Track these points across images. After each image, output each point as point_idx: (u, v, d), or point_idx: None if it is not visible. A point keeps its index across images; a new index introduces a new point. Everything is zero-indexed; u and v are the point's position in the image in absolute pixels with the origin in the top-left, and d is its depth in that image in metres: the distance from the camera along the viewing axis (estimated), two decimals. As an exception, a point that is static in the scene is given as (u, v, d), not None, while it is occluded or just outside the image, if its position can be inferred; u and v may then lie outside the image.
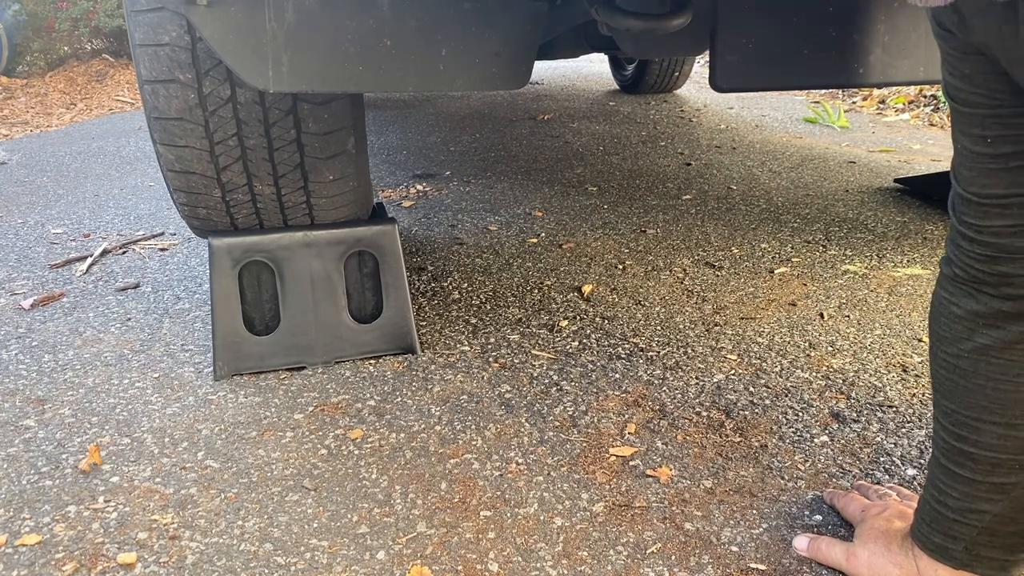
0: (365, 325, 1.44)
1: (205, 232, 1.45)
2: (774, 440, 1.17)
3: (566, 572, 0.92)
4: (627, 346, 1.47)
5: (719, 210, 2.26)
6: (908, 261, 1.85)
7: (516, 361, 1.42)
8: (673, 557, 0.94)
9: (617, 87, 4.61)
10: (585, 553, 0.95)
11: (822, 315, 1.58)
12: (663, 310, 1.62)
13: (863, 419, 1.22)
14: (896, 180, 2.51)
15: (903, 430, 1.19)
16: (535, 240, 2.04)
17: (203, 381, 1.37)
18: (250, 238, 1.39)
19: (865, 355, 1.42)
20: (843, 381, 1.33)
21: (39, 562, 0.95)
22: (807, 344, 1.46)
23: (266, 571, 0.93)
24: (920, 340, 1.47)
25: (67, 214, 2.42)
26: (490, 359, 1.43)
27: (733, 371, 1.37)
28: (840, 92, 4.42)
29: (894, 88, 4.02)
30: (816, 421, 1.22)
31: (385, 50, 1.12)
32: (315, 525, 1.01)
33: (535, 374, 1.37)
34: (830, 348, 1.44)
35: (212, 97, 1.25)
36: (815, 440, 1.17)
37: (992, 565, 0.80)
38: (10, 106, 4.78)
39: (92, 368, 1.43)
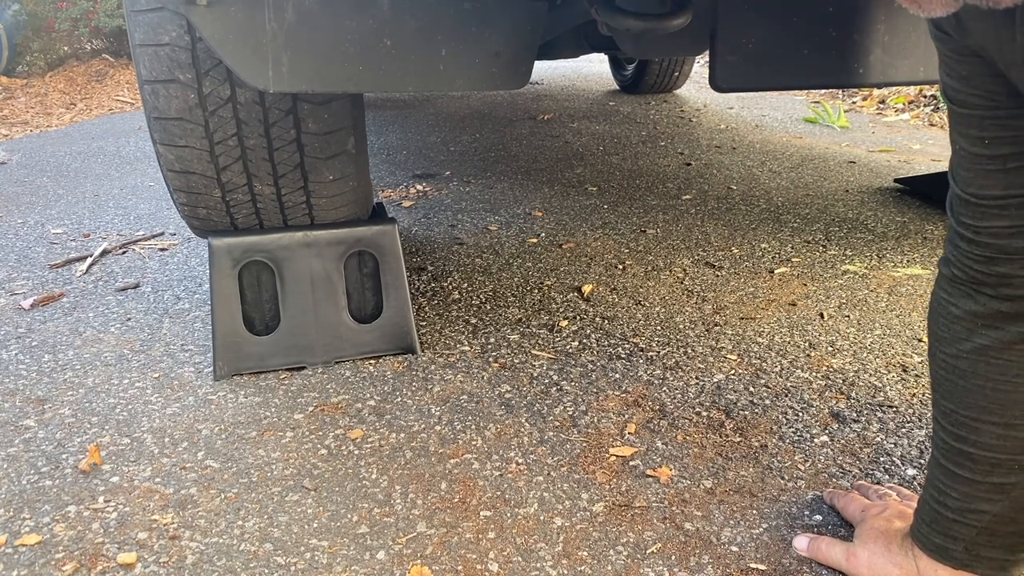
0: (365, 325, 1.44)
1: (205, 232, 1.45)
2: (774, 440, 1.17)
3: (566, 572, 0.92)
4: (627, 346, 1.47)
5: (719, 210, 2.26)
6: (908, 261, 1.85)
7: (516, 361, 1.42)
8: (673, 557, 0.94)
9: (617, 87, 4.61)
10: (585, 553, 0.95)
11: (822, 315, 1.58)
12: (663, 310, 1.62)
13: (863, 419, 1.22)
14: (896, 180, 2.51)
15: (903, 430, 1.19)
16: (535, 240, 2.04)
17: (203, 381, 1.37)
18: (250, 238, 1.39)
19: (865, 355, 1.42)
20: (843, 381, 1.33)
21: (39, 562, 0.95)
22: (807, 344, 1.46)
23: (266, 571, 0.93)
24: (920, 340, 1.47)
25: (67, 214, 2.42)
26: (490, 359, 1.43)
27: (733, 371, 1.37)
28: (840, 92, 4.42)
29: (894, 88, 4.02)
30: (816, 421, 1.22)
31: (385, 50, 1.12)
32: (315, 525, 1.01)
33: (535, 374, 1.38)
34: (830, 348, 1.44)
35: (212, 97, 1.25)
36: (815, 440, 1.17)
37: (992, 565, 0.80)
38: (10, 106, 4.78)
39: (92, 368, 1.43)
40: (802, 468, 1.11)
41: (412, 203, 2.41)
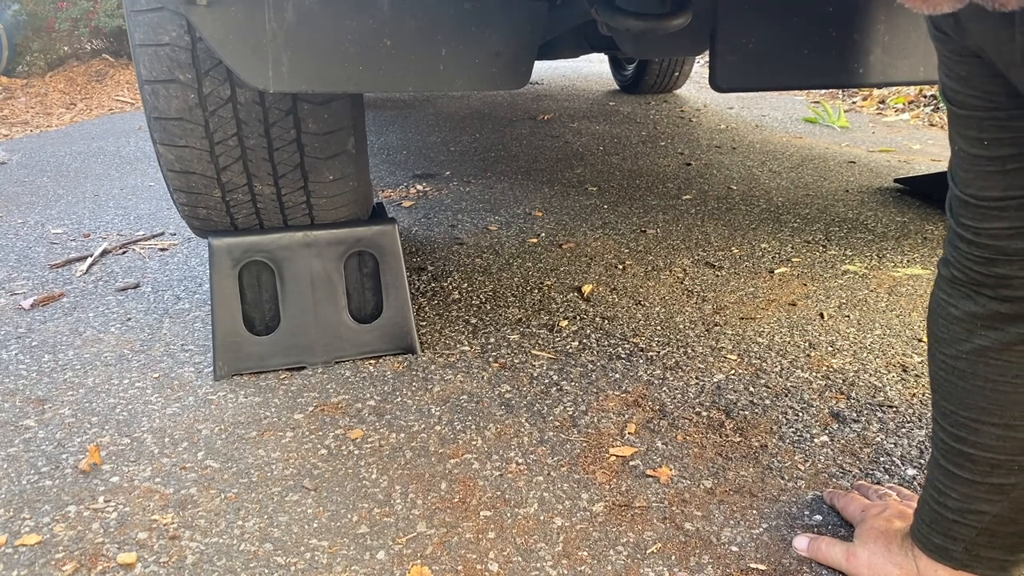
0: (365, 325, 1.44)
1: (205, 232, 1.45)
2: (774, 440, 1.17)
3: (566, 572, 0.92)
4: (627, 346, 1.47)
5: (719, 210, 2.26)
6: (908, 261, 1.85)
7: (516, 361, 1.42)
8: (673, 557, 0.95)
9: (617, 87, 4.61)
10: (585, 553, 0.95)
11: (822, 315, 1.58)
12: (663, 310, 1.62)
13: (863, 419, 1.22)
14: (896, 180, 2.51)
15: (903, 430, 1.19)
16: (535, 240, 2.04)
17: (203, 381, 1.37)
18: (250, 238, 1.39)
19: (865, 355, 1.42)
20: (843, 381, 1.33)
21: (39, 562, 0.95)
22: (807, 344, 1.46)
23: (266, 571, 0.93)
24: (920, 340, 1.47)
25: (67, 214, 2.42)
26: (490, 359, 1.43)
27: (733, 371, 1.37)
28: (840, 92, 4.42)
29: (894, 88, 4.02)
30: (816, 421, 1.22)
31: (385, 50, 1.12)
32: (315, 525, 1.01)
33: (535, 374, 1.38)
34: (830, 348, 1.45)
35: (212, 97, 1.25)
36: (815, 440, 1.17)
37: (992, 565, 0.80)
38: (10, 106, 4.78)
39: (92, 368, 1.43)
40: (802, 468, 1.11)
41: (412, 203, 2.41)
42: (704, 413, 1.25)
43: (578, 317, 1.59)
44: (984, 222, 0.73)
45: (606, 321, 1.57)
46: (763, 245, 1.97)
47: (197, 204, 1.38)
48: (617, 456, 1.14)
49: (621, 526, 1.00)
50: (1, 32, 5.43)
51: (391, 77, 1.14)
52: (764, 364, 1.39)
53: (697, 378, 1.35)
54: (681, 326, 1.55)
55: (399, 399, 1.30)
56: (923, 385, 1.31)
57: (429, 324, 1.57)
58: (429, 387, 1.34)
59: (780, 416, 1.24)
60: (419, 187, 2.59)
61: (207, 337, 1.53)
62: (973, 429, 0.78)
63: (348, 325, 1.42)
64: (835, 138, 3.31)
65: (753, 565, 0.93)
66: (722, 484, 1.08)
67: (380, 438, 1.19)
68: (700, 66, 5.15)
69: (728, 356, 1.43)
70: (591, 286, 1.73)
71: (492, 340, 1.50)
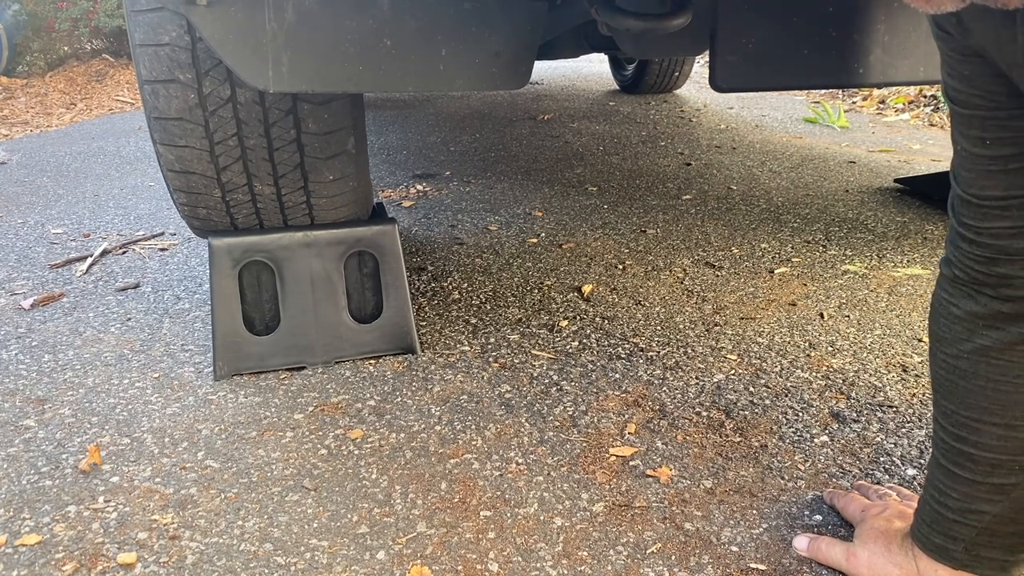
0: (365, 325, 1.44)
1: (205, 232, 1.45)
2: (774, 440, 1.17)
3: (566, 572, 0.92)
4: (627, 346, 1.47)
5: (719, 210, 2.26)
6: (908, 261, 1.85)
7: (516, 361, 1.42)
8: (673, 557, 0.94)
9: (617, 87, 4.61)
10: (585, 553, 0.95)
11: (822, 315, 1.58)
12: (663, 310, 1.62)
13: (863, 419, 1.22)
14: (896, 180, 2.51)
15: (903, 430, 1.19)
16: (535, 240, 2.04)
17: (203, 381, 1.37)
18: (250, 238, 1.39)
19: (865, 355, 1.42)
20: (843, 381, 1.33)
21: (39, 562, 0.95)
22: (807, 344, 1.46)
23: (266, 571, 0.93)
24: (920, 340, 1.47)
25: (67, 214, 2.42)
26: (490, 359, 1.43)
27: (733, 371, 1.37)
28: (840, 92, 4.42)
29: (894, 88, 4.02)
30: (816, 421, 1.22)
31: (385, 50, 1.12)
32: (315, 525, 1.01)
33: (535, 374, 1.38)
34: (830, 348, 1.44)
35: (212, 97, 1.25)
36: (815, 440, 1.17)
37: (992, 565, 0.80)
38: (10, 106, 4.78)
39: (92, 368, 1.43)
40: (802, 468, 1.11)
41: (412, 203, 2.41)
42: (704, 413, 1.25)
43: (578, 317, 1.59)
44: (986, 221, 0.73)
45: (606, 321, 1.57)
46: (763, 245, 1.97)
47: (197, 204, 1.38)
48: (617, 456, 1.14)
49: (621, 526, 1.00)
50: (1, 32, 5.43)
51: (391, 77, 1.14)
52: (764, 364, 1.39)
53: (697, 378, 1.35)
54: (681, 326, 1.54)
55: (399, 399, 1.30)
56: (923, 385, 1.31)
57: (429, 324, 1.57)
58: (429, 387, 1.34)
59: (780, 416, 1.24)
60: (419, 187, 2.59)
61: (207, 337, 1.53)
62: (974, 429, 0.77)
63: (348, 325, 1.42)
64: (835, 138, 3.31)
65: (753, 565, 0.93)
66: (722, 484, 1.08)
67: (380, 438, 1.19)
68: (700, 66, 5.15)
69: (728, 356, 1.43)
70: (591, 286, 1.73)
71: (492, 340, 1.50)
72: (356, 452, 1.16)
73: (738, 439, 1.18)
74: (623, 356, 1.43)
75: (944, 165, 2.74)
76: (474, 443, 1.18)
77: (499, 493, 1.06)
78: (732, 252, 1.93)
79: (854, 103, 4.21)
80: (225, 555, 0.96)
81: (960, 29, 0.67)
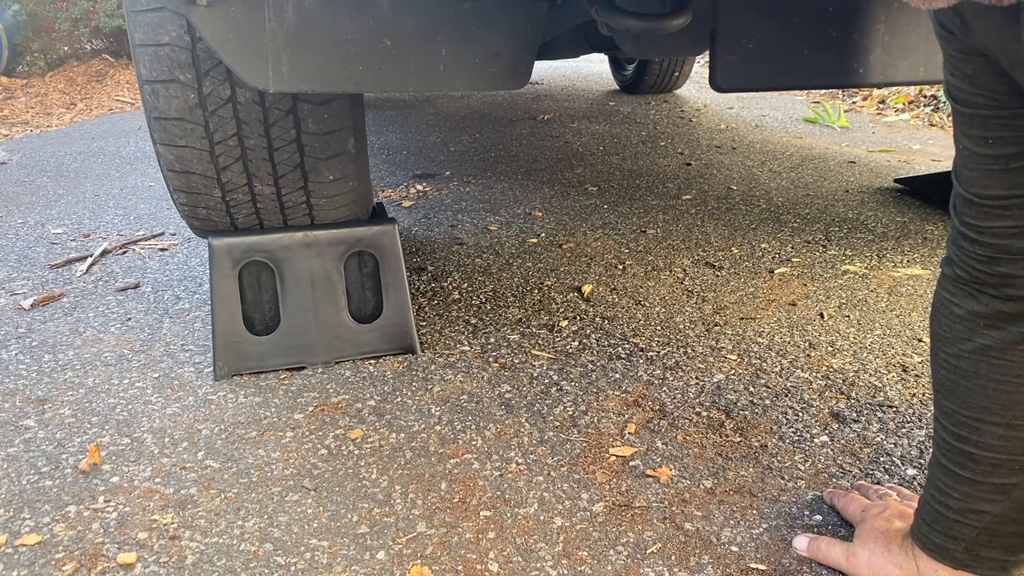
0: (365, 325, 1.44)
1: (205, 232, 1.45)
2: (774, 440, 1.17)
3: (566, 572, 0.92)
4: (627, 346, 1.47)
5: (719, 210, 2.26)
6: (908, 261, 1.85)
7: (516, 361, 1.42)
8: (673, 557, 0.94)
9: (617, 87, 4.61)
10: (585, 553, 0.95)
11: (822, 315, 1.58)
12: (663, 310, 1.62)
13: (863, 419, 1.22)
14: (896, 180, 2.51)
15: (903, 430, 1.19)
16: (535, 240, 2.04)
17: (203, 381, 1.37)
18: (250, 238, 1.39)
19: (865, 355, 1.42)
20: (843, 381, 1.33)
21: (39, 562, 0.95)
22: (807, 344, 1.46)
23: (266, 571, 0.93)
24: (920, 340, 1.47)
25: (67, 214, 2.42)
26: (490, 359, 1.43)
27: (733, 371, 1.37)
28: (840, 92, 4.42)
29: (894, 88, 4.02)
30: (816, 421, 1.22)
31: (385, 50, 1.12)
32: (315, 525, 1.01)
33: (535, 374, 1.37)
34: (830, 348, 1.44)
35: (212, 97, 1.25)
36: (815, 440, 1.17)
37: (992, 565, 0.80)
38: (10, 106, 4.78)
39: (92, 368, 1.43)
40: (802, 468, 1.11)
41: (412, 203, 2.41)
42: (704, 413, 1.25)
43: (578, 317, 1.59)
44: (988, 221, 0.73)
45: (606, 321, 1.57)
46: (763, 245, 1.97)
47: (197, 204, 1.38)
48: (617, 456, 1.14)
49: (621, 526, 1.00)
50: (1, 32, 5.43)
51: (391, 77, 1.14)
52: (764, 364, 1.39)
53: (697, 378, 1.35)
54: (681, 326, 1.54)
55: (399, 399, 1.30)
56: (923, 385, 1.31)
57: (429, 324, 1.57)
58: (429, 387, 1.34)
59: (780, 416, 1.23)
60: (419, 187, 2.59)
61: (207, 337, 1.53)
62: (975, 428, 0.77)
63: (348, 325, 1.42)
64: (835, 138, 3.31)
65: (753, 565, 0.93)
66: (722, 484, 1.08)
67: (380, 438, 1.19)
68: (700, 66, 5.15)
69: (728, 356, 1.43)
70: (591, 286, 1.73)
71: (492, 340, 1.50)
72: (356, 452, 1.16)
73: (738, 439, 1.18)
74: (623, 356, 1.43)
75: (944, 165, 2.74)
76: (474, 443, 1.18)
77: (499, 493, 1.06)
78: (732, 252, 1.93)
79: (854, 103, 4.22)
80: (225, 555, 0.96)
81: (963, 28, 0.67)
